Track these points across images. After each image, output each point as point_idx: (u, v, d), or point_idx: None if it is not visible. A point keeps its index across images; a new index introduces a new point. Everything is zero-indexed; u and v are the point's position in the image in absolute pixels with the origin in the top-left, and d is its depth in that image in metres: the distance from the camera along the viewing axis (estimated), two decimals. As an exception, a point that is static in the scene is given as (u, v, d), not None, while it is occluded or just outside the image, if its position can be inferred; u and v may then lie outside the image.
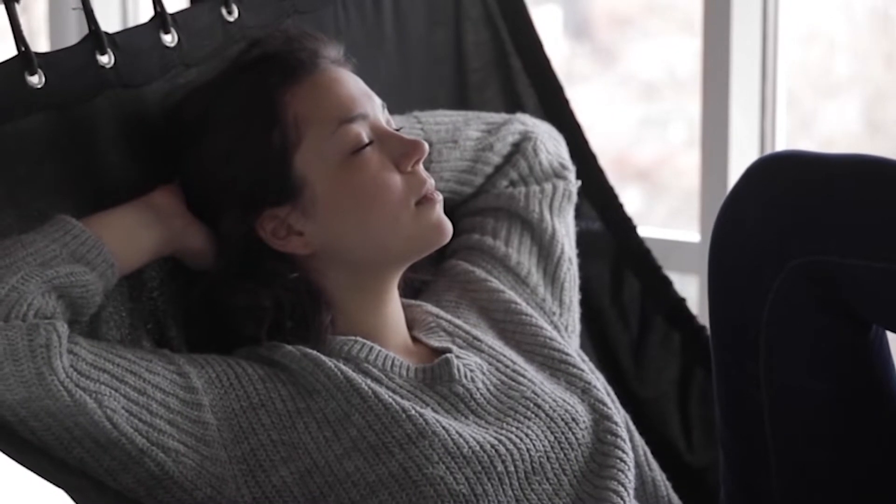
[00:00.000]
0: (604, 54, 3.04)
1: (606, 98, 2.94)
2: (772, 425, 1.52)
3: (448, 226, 1.59)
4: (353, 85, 1.60)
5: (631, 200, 2.65)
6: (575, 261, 1.82)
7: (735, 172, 2.45)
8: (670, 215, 3.04)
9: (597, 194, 1.97)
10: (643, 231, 2.01)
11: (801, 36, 2.50)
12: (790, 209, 1.47)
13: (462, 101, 1.99)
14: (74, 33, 3.13)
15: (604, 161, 1.98)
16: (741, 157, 2.44)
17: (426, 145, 1.58)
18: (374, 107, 1.60)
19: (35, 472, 1.42)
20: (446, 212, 1.61)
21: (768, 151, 2.41)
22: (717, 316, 1.55)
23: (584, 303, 1.84)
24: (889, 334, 1.52)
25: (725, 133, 2.41)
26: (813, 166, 1.47)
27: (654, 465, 1.67)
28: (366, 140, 1.57)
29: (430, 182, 1.59)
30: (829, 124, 2.76)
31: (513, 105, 1.99)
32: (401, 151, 1.58)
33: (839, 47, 2.67)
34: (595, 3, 3.11)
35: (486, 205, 1.82)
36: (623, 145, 2.91)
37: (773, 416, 1.52)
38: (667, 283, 1.98)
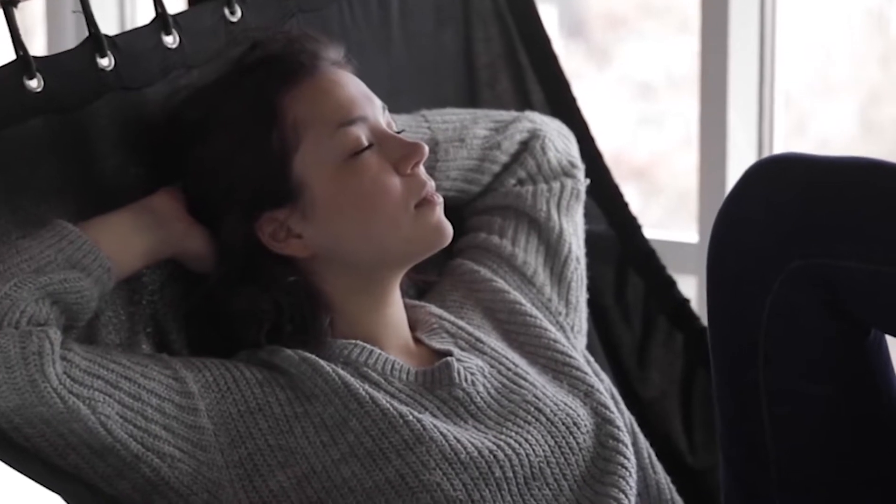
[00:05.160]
0: (599, 54, 3.03)
1: (602, 98, 2.93)
2: (772, 429, 1.51)
3: (448, 228, 1.58)
4: (353, 87, 1.59)
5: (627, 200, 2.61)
6: (583, 260, 1.81)
7: (733, 172, 2.44)
8: (666, 215, 3.02)
9: (602, 193, 1.95)
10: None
11: (797, 37, 2.48)
12: (790, 211, 1.45)
13: (472, 97, 1.97)
14: (72, 35, 3.12)
15: (599, 161, 1.97)
16: (739, 158, 2.43)
17: (426, 147, 1.57)
18: (375, 109, 1.59)
19: (30, 478, 1.42)
20: (454, 210, 1.59)
21: (766, 152, 2.41)
22: (716, 319, 1.53)
23: (589, 302, 1.82)
24: (889, 338, 1.50)
25: (723, 133, 2.41)
26: (813, 169, 1.46)
27: (659, 467, 1.66)
28: (365, 143, 1.56)
29: (431, 184, 1.58)
30: (824, 125, 2.74)
31: (523, 100, 1.97)
32: (400, 154, 1.56)
33: (835, 48, 2.65)
34: (590, 3, 3.09)
35: (493, 203, 1.80)
36: (619, 145, 2.89)
37: (772, 421, 1.51)
38: (671, 283, 1.96)
